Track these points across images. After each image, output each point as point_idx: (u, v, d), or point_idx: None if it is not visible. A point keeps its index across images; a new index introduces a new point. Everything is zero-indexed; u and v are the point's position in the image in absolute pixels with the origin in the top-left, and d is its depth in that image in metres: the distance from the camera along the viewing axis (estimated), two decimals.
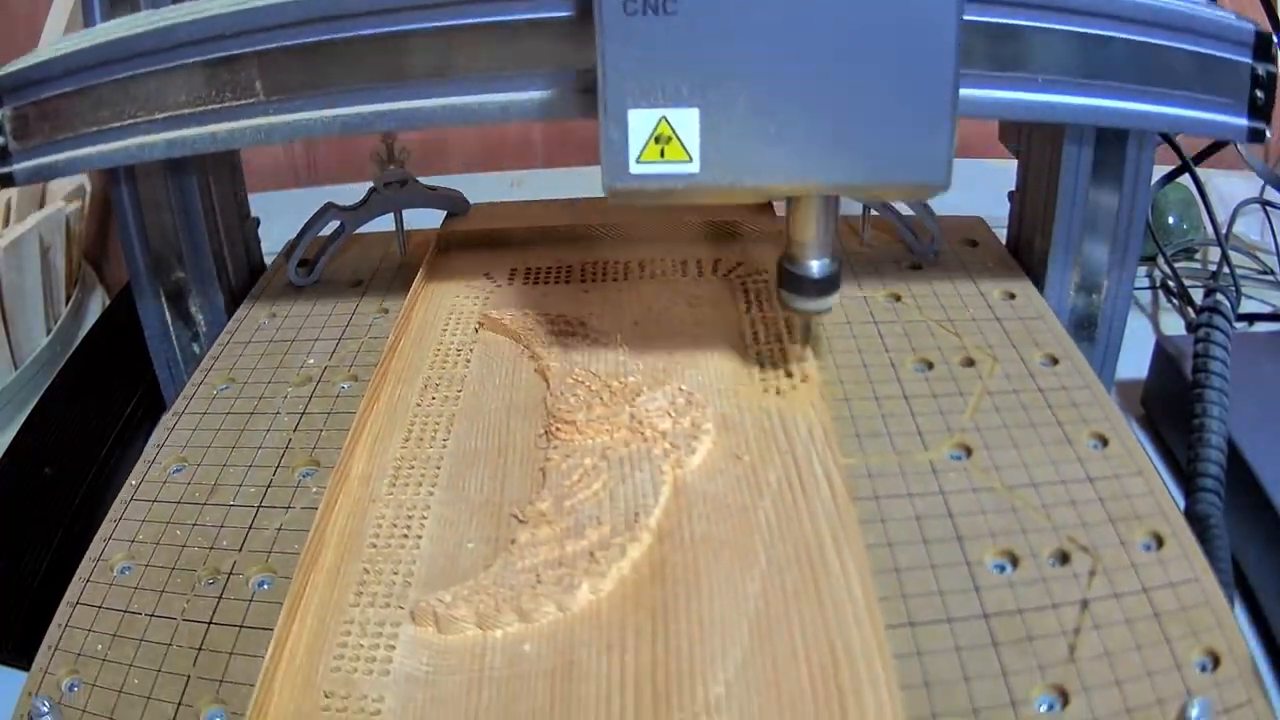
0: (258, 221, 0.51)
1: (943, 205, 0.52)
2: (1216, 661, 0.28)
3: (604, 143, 0.31)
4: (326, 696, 0.28)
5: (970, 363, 0.40)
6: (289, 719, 0.27)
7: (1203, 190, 0.61)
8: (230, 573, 0.32)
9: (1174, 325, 0.60)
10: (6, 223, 0.62)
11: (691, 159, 0.31)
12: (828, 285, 0.36)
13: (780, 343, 0.41)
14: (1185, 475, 0.40)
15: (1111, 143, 0.41)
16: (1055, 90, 0.36)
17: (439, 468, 0.36)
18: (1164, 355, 0.49)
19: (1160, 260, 0.62)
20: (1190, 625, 0.29)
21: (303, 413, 0.40)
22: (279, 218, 0.56)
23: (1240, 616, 0.38)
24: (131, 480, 0.37)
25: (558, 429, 0.37)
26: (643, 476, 0.34)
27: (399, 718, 0.27)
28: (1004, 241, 0.49)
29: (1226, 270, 0.60)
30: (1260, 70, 0.36)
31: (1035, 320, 0.42)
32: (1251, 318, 0.58)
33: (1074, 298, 0.44)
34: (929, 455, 0.35)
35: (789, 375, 0.38)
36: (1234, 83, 0.37)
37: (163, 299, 0.46)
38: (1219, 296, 0.43)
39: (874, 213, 0.49)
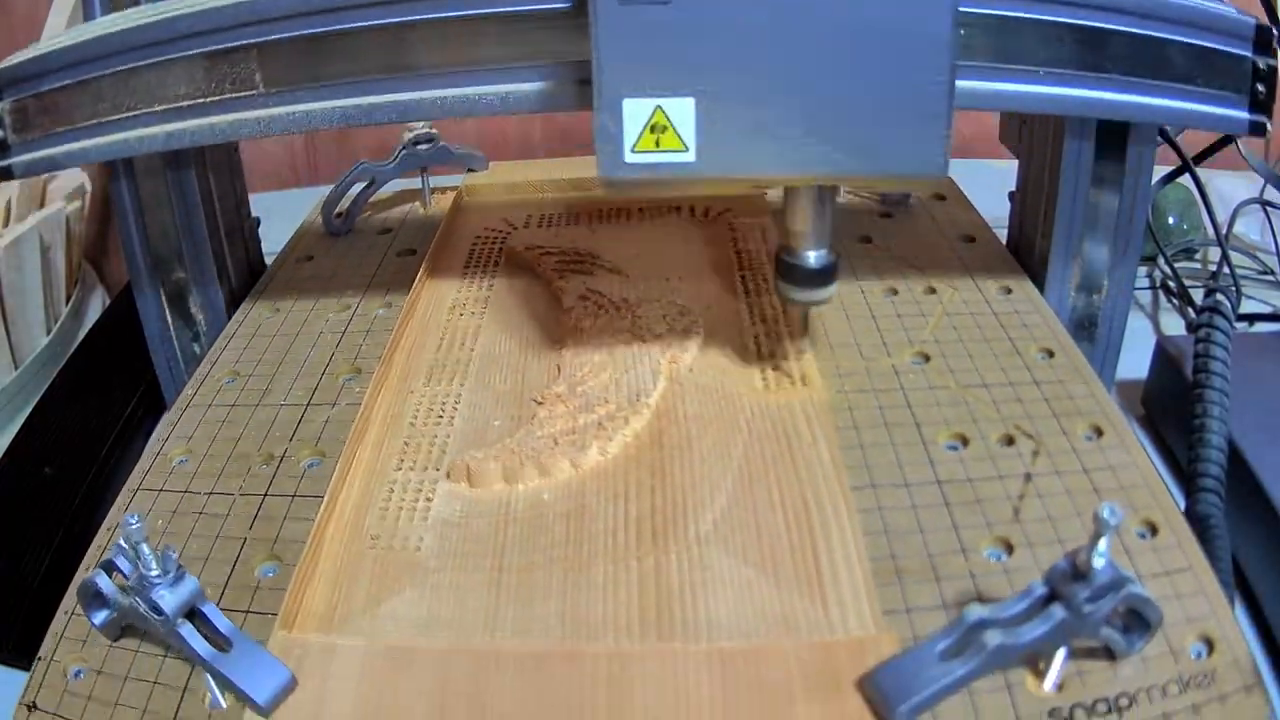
0: (258, 221, 0.51)
1: None
2: (1154, 530, 0.32)
3: (598, 133, 0.31)
4: (373, 539, 0.32)
5: (932, 291, 0.44)
6: (339, 559, 0.32)
7: (1203, 190, 0.61)
8: (282, 457, 0.37)
9: (1174, 325, 0.60)
10: (6, 222, 0.62)
11: (688, 148, 0.31)
12: (825, 276, 0.36)
13: (761, 268, 0.47)
14: (1185, 475, 0.40)
15: (1112, 142, 0.41)
16: (1056, 83, 0.36)
17: (468, 366, 0.41)
18: (1164, 355, 0.49)
19: (1160, 260, 0.62)
20: (1129, 500, 0.33)
21: (343, 332, 0.45)
22: (279, 218, 0.56)
23: (1240, 616, 0.38)
24: (188, 390, 0.42)
25: (570, 334, 0.42)
26: (643, 368, 0.39)
27: (437, 553, 0.32)
28: (1004, 242, 0.49)
29: (1226, 270, 0.60)
30: (1261, 64, 0.36)
31: (993, 258, 0.47)
32: (1251, 318, 0.58)
33: (1074, 298, 0.44)
34: (891, 361, 0.40)
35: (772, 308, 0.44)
36: (1235, 76, 0.37)
37: (163, 299, 0.46)
38: (1219, 296, 0.43)
39: None
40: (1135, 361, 0.50)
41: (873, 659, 0.27)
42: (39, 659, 0.31)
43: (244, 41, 0.36)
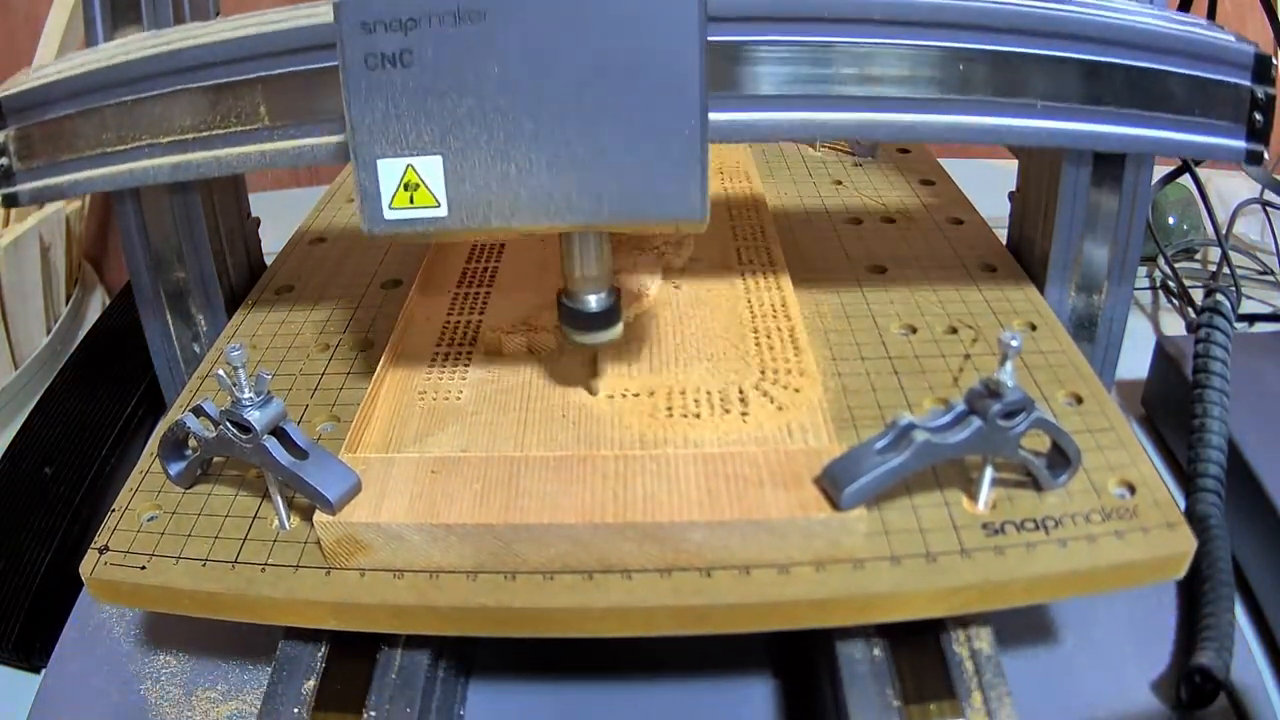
0: (258, 221, 0.51)
1: None
2: (1080, 400, 0.37)
3: (358, 191, 0.31)
4: (420, 394, 0.38)
5: (891, 220, 0.52)
6: (393, 408, 0.38)
7: (1203, 190, 0.61)
8: (336, 345, 0.43)
9: (1174, 325, 0.60)
10: (6, 222, 0.62)
11: (439, 204, 0.31)
12: (606, 318, 0.35)
13: (743, 180, 0.54)
14: (1185, 475, 0.40)
15: None
16: (1055, 116, 0.36)
17: (494, 275, 0.47)
18: (1164, 355, 0.49)
19: (1160, 260, 0.62)
20: (1057, 376, 0.38)
21: (385, 253, 0.51)
22: (279, 218, 0.56)
23: (1241, 616, 0.38)
24: (249, 300, 0.47)
25: None
26: (643, 267, 0.45)
27: (474, 400, 0.38)
28: (1005, 242, 0.49)
29: (1226, 270, 0.60)
30: (1259, 93, 0.36)
31: (948, 199, 0.54)
32: (1251, 318, 0.58)
33: (1074, 298, 0.44)
34: (853, 272, 0.46)
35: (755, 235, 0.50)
36: (1233, 105, 0.37)
37: (163, 299, 0.46)
38: (1219, 296, 0.43)
39: None
40: (1135, 361, 0.50)
41: (827, 462, 0.32)
42: (112, 510, 0.35)
43: (248, 75, 0.36)
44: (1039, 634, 0.37)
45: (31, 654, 0.41)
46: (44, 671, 0.38)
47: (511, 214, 0.31)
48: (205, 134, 0.37)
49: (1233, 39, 0.36)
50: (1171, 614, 0.38)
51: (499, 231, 0.32)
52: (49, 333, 0.61)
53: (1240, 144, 0.37)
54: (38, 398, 0.54)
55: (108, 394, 0.54)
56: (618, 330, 0.36)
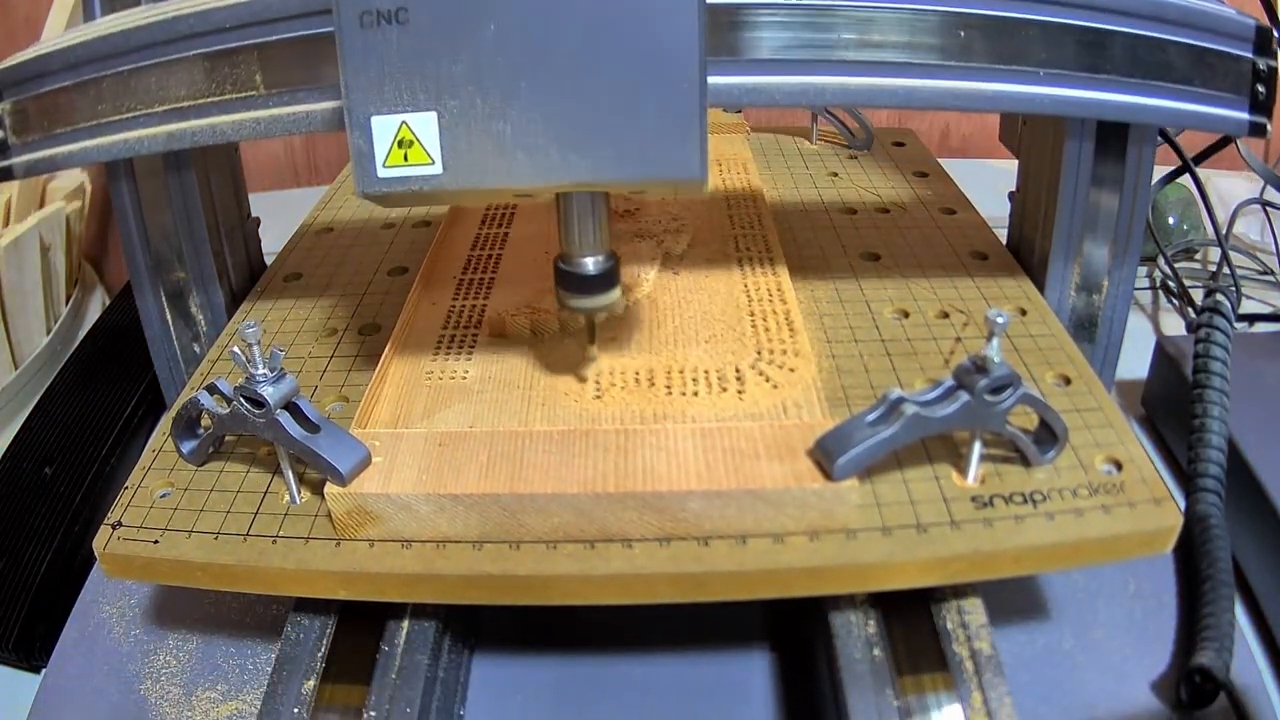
0: (258, 221, 0.51)
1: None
2: (1068, 381, 0.38)
3: (353, 151, 0.31)
4: (428, 374, 0.39)
5: (885, 210, 0.53)
6: (400, 385, 0.39)
7: (1203, 190, 0.61)
8: (344, 329, 0.44)
9: (1174, 325, 0.60)
10: (6, 222, 0.62)
11: (434, 161, 0.31)
12: (603, 282, 0.35)
13: (743, 180, 0.55)
14: (1185, 475, 0.40)
15: (1112, 142, 0.41)
16: (1056, 84, 0.36)
17: (498, 262, 0.48)
18: (1164, 355, 0.49)
19: (1160, 260, 0.62)
20: (1046, 359, 0.39)
21: (391, 242, 0.52)
22: (279, 218, 0.56)
23: (1241, 616, 0.38)
24: (257, 287, 0.48)
25: None
26: (643, 254, 0.46)
27: (480, 379, 0.39)
28: (1004, 242, 0.49)
29: (1226, 270, 0.60)
30: (1261, 65, 0.36)
31: (940, 190, 0.55)
32: (1251, 318, 0.58)
33: (1074, 298, 0.44)
34: (848, 260, 0.47)
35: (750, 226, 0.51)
36: (1235, 77, 0.36)
37: (163, 299, 0.46)
38: (1219, 296, 0.43)
39: (820, 115, 0.63)
40: (1135, 361, 0.50)
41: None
42: (125, 488, 0.35)
43: (244, 42, 0.36)
44: (1039, 634, 0.37)
45: (31, 654, 0.41)
46: (44, 671, 0.38)
47: (508, 173, 0.31)
48: (201, 102, 0.37)
49: (1234, 11, 0.36)
50: (1171, 614, 0.38)
51: (495, 192, 0.31)
52: (49, 333, 0.61)
53: (1244, 115, 0.37)
54: (38, 398, 0.54)
55: (108, 394, 0.54)
56: (615, 294, 0.35)
